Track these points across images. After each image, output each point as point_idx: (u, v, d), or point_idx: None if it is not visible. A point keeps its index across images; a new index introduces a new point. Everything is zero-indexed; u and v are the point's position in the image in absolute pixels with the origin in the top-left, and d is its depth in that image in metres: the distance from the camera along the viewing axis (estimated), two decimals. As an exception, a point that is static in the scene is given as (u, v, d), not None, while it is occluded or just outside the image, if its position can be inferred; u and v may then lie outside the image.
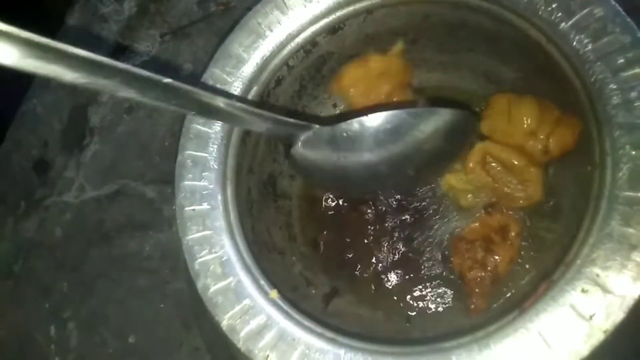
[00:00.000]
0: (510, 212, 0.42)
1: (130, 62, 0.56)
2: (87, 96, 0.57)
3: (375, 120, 0.36)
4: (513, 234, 0.41)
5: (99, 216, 0.52)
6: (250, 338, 0.32)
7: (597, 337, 0.26)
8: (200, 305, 0.35)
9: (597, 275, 0.27)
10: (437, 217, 0.44)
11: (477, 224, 0.43)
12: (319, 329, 0.32)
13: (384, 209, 0.45)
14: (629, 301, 0.26)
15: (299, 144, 0.36)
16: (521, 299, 0.31)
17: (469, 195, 0.43)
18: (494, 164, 0.41)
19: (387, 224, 0.45)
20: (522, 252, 0.41)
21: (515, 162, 0.40)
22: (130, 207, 0.52)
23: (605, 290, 0.27)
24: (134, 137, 0.54)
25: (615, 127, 0.29)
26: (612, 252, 0.27)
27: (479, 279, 0.41)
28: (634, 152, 0.28)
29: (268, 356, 0.31)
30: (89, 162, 0.54)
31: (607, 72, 0.30)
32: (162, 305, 0.48)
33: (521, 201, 0.41)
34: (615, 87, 0.30)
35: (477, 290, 0.41)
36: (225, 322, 0.33)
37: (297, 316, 0.33)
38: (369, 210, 0.46)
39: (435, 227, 0.44)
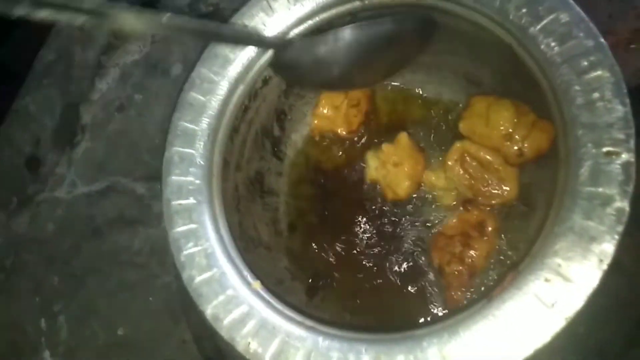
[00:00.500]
0: (488, 209, 0.43)
1: (122, 61, 0.57)
2: (79, 94, 0.57)
3: (347, 31, 0.40)
4: (490, 229, 0.42)
5: (89, 212, 0.53)
6: (232, 326, 0.33)
7: (559, 324, 0.28)
8: (187, 299, 0.36)
9: (559, 265, 0.29)
10: (417, 213, 0.45)
11: (455, 220, 0.44)
12: (298, 318, 0.33)
13: (367, 206, 0.47)
14: (588, 290, 0.28)
15: (282, 55, 0.41)
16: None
17: (448, 193, 0.45)
18: (472, 163, 0.43)
19: (369, 221, 0.46)
20: (498, 247, 0.42)
21: (492, 161, 0.42)
22: (121, 203, 0.53)
23: (566, 279, 0.28)
24: (125, 135, 0.55)
25: (579, 126, 0.30)
26: (574, 243, 0.29)
27: (457, 273, 0.42)
28: (594, 150, 0.29)
29: (249, 343, 0.32)
30: (80, 159, 0.55)
31: (572, 74, 0.31)
32: (150, 299, 0.49)
33: (498, 198, 0.42)
34: (579, 88, 0.31)
35: (455, 283, 0.42)
36: (209, 311, 0.34)
37: (278, 306, 0.34)
38: (353, 208, 0.47)
39: (416, 223, 0.45)
